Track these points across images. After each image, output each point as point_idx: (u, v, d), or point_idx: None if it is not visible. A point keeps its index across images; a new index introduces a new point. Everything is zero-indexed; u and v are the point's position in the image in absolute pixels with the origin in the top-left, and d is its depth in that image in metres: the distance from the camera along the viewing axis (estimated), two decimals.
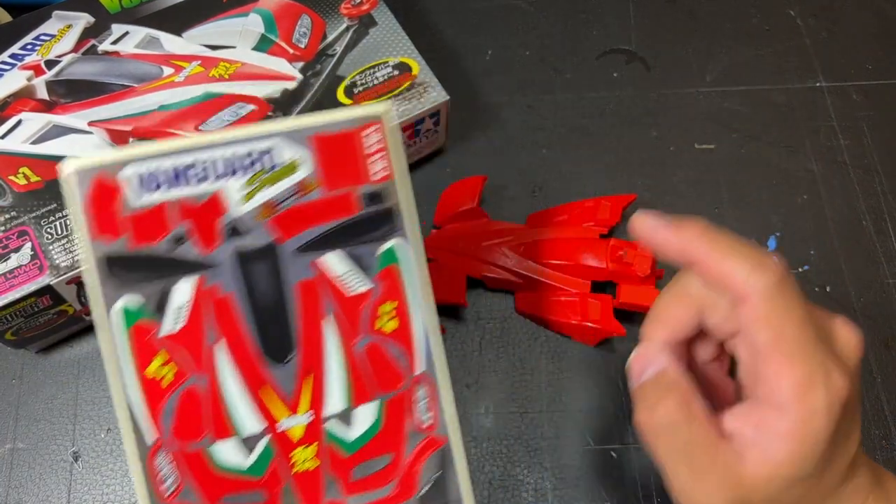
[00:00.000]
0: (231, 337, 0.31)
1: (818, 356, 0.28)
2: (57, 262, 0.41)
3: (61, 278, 0.41)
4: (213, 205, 0.30)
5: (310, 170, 0.31)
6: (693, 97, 0.57)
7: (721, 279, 0.30)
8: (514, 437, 0.45)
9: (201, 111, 0.46)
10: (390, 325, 0.32)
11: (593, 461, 0.44)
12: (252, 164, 0.31)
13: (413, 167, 0.53)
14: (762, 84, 0.57)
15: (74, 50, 0.49)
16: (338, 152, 0.31)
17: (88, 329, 0.48)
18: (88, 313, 0.45)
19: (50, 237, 0.42)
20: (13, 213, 0.43)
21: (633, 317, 0.47)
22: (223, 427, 0.31)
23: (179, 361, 0.30)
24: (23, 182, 0.44)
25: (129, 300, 0.30)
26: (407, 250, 0.32)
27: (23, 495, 0.43)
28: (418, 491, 0.33)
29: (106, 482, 0.44)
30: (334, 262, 0.32)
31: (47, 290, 0.41)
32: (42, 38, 0.50)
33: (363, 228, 0.32)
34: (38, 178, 0.44)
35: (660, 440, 0.30)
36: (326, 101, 0.47)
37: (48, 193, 0.44)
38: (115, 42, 0.50)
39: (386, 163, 0.32)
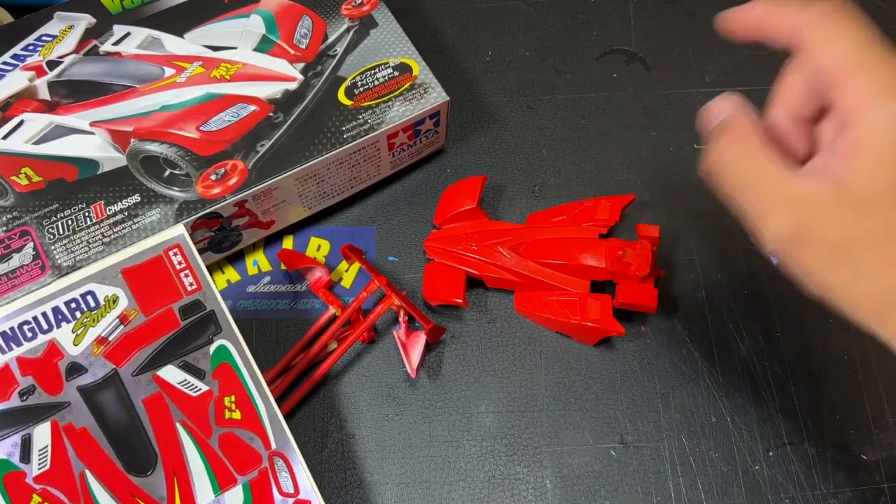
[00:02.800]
0: (95, 464, 0.34)
1: (886, 66, 0.26)
2: (59, 261, 0.42)
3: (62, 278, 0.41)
4: (50, 353, 0.35)
5: (127, 300, 0.36)
6: (693, 97, 0.57)
7: (779, 33, 0.29)
8: (514, 436, 0.45)
9: (203, 112, 0.46)
10: (237, 415, 0.36)
11: (593, 460, 0.44)
12: (76, 310, 0.36)
13: (413, 167, 0.54)
14: (762, 84, 0.57)
15: (76, 51, 0.49)
16: (149, 278, 0.37)
17: None
18: None
19: (52, 237, 0.42)
20: (15, 213, 0.43)
21: (632, 316, 0.48)
22: None
23: (54, 498, 0.34)
24: (24, 182, 0.44)
25: None
26: (231, 345, 0.37)
27: None
28: None
29: None
30: (171, 374, 0.36)
31: None
32: (44, 38, 0.50)
33: (189, 337, 0.37)
34: (40, 179, 0.44)
35: (727, 177, 0.29)
36: (327, 101, 0.47)
37: (50, 194, 0.44)
38: (116, 43, 0.50)
39: (192, 277, 0.37)
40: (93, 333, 0.36)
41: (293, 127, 0.46)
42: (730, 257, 0.50)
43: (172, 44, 0.50)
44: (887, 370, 0.47)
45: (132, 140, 0.45)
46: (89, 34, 0.50)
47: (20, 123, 0.46)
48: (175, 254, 0.37)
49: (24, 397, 0.35)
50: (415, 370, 0.45)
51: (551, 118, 0.56)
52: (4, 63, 0.48)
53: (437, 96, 0.48)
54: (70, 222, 0.43)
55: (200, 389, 0.36)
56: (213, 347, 0.37)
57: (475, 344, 0.47)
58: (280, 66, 0.49)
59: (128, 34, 0.50)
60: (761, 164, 0.28)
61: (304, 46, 0.50)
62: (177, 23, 0.51)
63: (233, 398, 0.36)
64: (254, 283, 0.50)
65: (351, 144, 0.46)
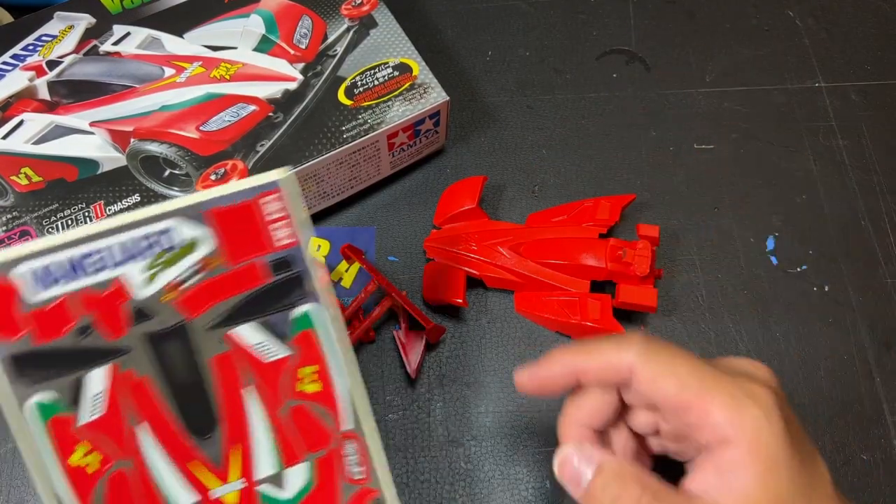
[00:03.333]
0: (152, 418, 0.31)
1: (730, 382, 0.29)
2: None
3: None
4: (115, 292, 0.30)
5: (211, 246, 0.31)
6: (693, 97, 0.57)
7: (607, 371, 0.31)
8: (514, 437, 0.45)
9: (203, 112, 0.46)
10: (312, 388, 0.33)
11: None
12: (150, 247, 0.31)
13: (413, 167, 0.54)
14: (762, 84, 0.58)
15: (76, 50, 0.49)
16: (238, 224, 0.31)
17: None
18: None
19: None
20: (15, 213, 0.43)
21: (632, 316, 0.48)
22: (156, 503, 0.31)
23: (102, 448, 0.31)
24: (24, 182, 0.44)
25: (42, 396, 0.30)
26: (321, 314, 0.32)
27: (24, 494, 0.44)
28: None
29: None
30: (248, 334, 0.32)
31: None
32: (44, 38, 0.50)
33: (273, 297, 0.32)
34: (40, 179, 0.44)
35: None
36: (327, 101, 0.47)
37: (50, 193, 0.44)
38: (116, 43, 0.50)
39: (290, 229, 0.31)
40: (166, 277, 0.31)
41: (293, 127, 0.46)
42: (730, 257, 0.50)
43: (172, 44, 0.50)
44: (887, 370, 0.47)
45: (132, 140, 0.45)
46: (89, 34, 0.50)
47: (20, 123, 0.46)
48: (274, 200, 0.31)
49: (81, 337, 0.30)
50: (415, 370, 0.45)
51: (551, 118, 0.56)
52: (4, 63, 0.48)
53: (436, 96, 0.48)
54: (70, 222, 0.43)
55: (277, 355, 0.32)
56: (298, 311, 0.32)
57: (475, 344, 0.47)
58: (280, 65, 0.49)
59: (128, 34, 0.50)
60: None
61: (303, 46, 0.50)
62: (177, 23, 0.51)
63: (314, 369, 0.33)
64: None
65: (351, 144, 0.46)
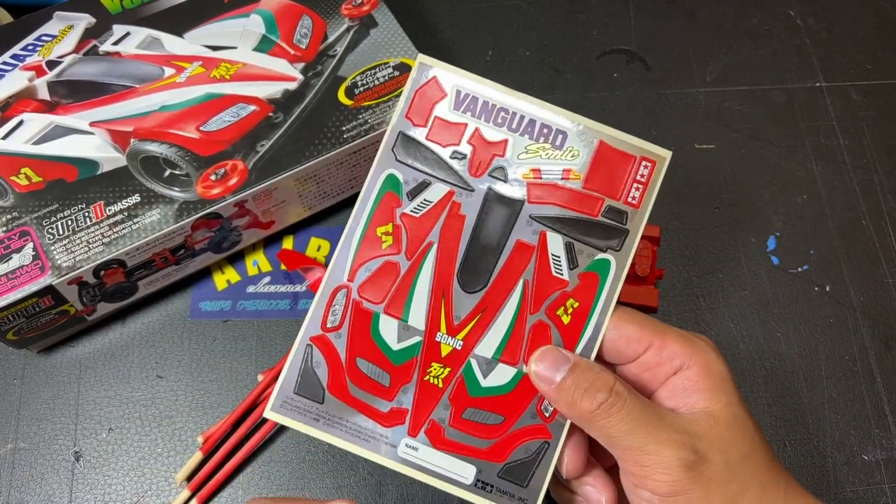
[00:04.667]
0: (445, 248, 0.36)
1: (679, 329, 0.35)
2: (58, 262, 0.41)
3: (63, 278, 0.41)
4: (495, 146, 0.37)
5: (582, 164, 0.36)
6: (693, 97, 0.57)
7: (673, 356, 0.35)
8: None
9: (202, 112, 0.46)
10: (566, 319, 0.36)
11: None
12: (545, 135, 0.37)
13: None
14: (762, 84, 0.58)
15: (76, 50, 0.49)
16: (611, 164, 0.36)
17: (90, 329, 0.48)
18: (90, 313, 0.46)
19: (51, 237, 0.42)
20: (14, 214, 0.43)
21: None
22: (397, 306, 0.36)
23: (399, 238, 0.36)
24: (24, 182, 0.44)
25: (397, 172, 0.36)
26: (614, 270, 0.36)
27: (24, 495, 0.43)
28: (506, 461, 0.35)
29: (107, 481, 0.44)
30: (556, 243, 0.36)
31: (49, 290, 0.41)
32: (43, 38, 0.50)
33: (594, 231, 0.36)
34: (40, 179, 0.44)
35: (613, 415, 0.32)
36: (327, 101, 0.47)
37: (50, 194, 0.44)
38: (116, 43, 0.50)
39: (641, 195, 0.36)
40: (534, 163, 0.36)
41: (293, 127, 0.46)
42: (731, 257, 0.50)
43: (172, 44, 0.50)
44: (888, 370, 0.47)
45: (132, 140, 0.45)
46: (89, 34, 0.50)
47: (20, 123, 0.46)
48: (648, 167, 0.36)
49: (453, 158, 0.36)
50: None
51: None
52: (4, 63, 0.48)
53: None
54: (70, 222, 0.43)
55: (562, 275, 0.36)
56: (601, 255, 0.36)
57: None
58: (280, 65, 0.49)
59: (127, 34, 0.50)
60: (641, 399, 0.33)
61: (304, 46, 0.50)
62: (177, 23, 0.51)
63: (577, 305, 0.36)
64: (254, 284, 0.50)
65: (351, 144, 0.46)
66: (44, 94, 0.47)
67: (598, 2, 0.61)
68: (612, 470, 0.36)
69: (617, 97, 0.57)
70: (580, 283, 0.36)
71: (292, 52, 0.49)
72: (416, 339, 0.35)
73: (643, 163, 0.36)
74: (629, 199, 0.36)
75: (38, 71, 0.48)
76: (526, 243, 0.36)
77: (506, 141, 0.36)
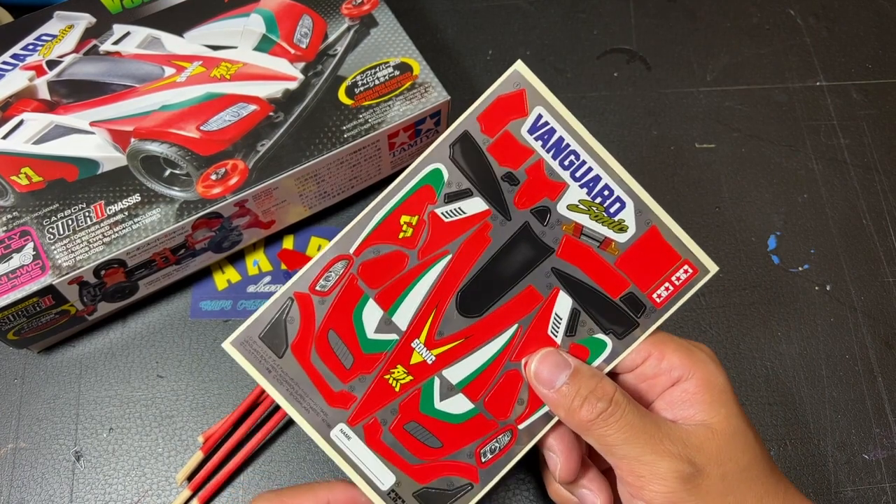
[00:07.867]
0: (458, 262, 0.35)
1: (679, 339, 0.35)
2: (59, 262, 0.41)
3: (63, 278, 0.41)
4: (553, 187, 0.35)
5: (626, 241, 0.35)
6: (693, 96, 0.57)
7: (672, 365, 0.35)
8: None
9: (203, 111, 0.46)
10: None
11: None
12: (603, 196, 0.35)
13: None
14: (762, 83, 0.58)
15: (76, 50, 0.49)
16: (654, 254, 0.35)
17: (90, 329, 0.48)
18: (90, 313, 0.46)
19: (52, 237, 0.42)
20: (15, 214, 0.43)
21: None
22: (388, 299, 0.35)
23: (419, 234, 0.35)
24: (25, 182, 0.44)
25: (445, 170, 0.35)
26: (607, 353, 0.35)
27: (25, 495, 0.43)
28: (426, 485, 0.35)
29: (108, 481, 0.44)
30: (564, 304, 0.35)
31: (49, 290, 0.41)
32: (43, 38, 0.50)
33: (606, 311, 0.35)
34: (40, 179, 0.44)
35: (611, 424, 0.32)
36: (328, 101, 0.47)
37: (50, 194, 0.44)
38: (116, 42, 0.50)
39: (668, 296, 0.35)
40: (581, 219, 0.35)
41: (293, 126, 0.46)
42: (730, 257, 0.50)
43: (172, 43, 0.50)
44: (888, 369, 0.47)
45: (132, 140, 0.45)
46: (89, 34, 0.50)
47: (20, 123, 0.46)
48: (686, 271, 0.35)
49: (505, 181, 0.35)
50: None
51: None
52: (4, 63, 0.48)
53: (437, 95, 0.48)
54: (70, 222, 0.43)
55: (555, 337, 0.35)
56: (599, 335, 0.35)
57: None
58: (280, 65, 0.49)
59: (128, 34, 0.50)
60: (640, 408, 0.33)
61: (304, 46, 0.50)
62: (177, 22, 0.50)
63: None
64: (254, 283, 0.49)
65: (351, 144, 0.46)
66: (44, 93, 0.47)
67: (599, 1, 0.61)
68: (608, 472, 0.36)
69: (617, 96, 0.57)
70: (568, 353, 0.35)
71: (293, 51, 0.49)
72: (394, 336, 0.35)
73: (685, 266, 0.35)
74: (654, 296, 0.35)
75: (39, 70, 0.48)
76: (536, 292, 0.35)
77: (563, 186, 0.35)
